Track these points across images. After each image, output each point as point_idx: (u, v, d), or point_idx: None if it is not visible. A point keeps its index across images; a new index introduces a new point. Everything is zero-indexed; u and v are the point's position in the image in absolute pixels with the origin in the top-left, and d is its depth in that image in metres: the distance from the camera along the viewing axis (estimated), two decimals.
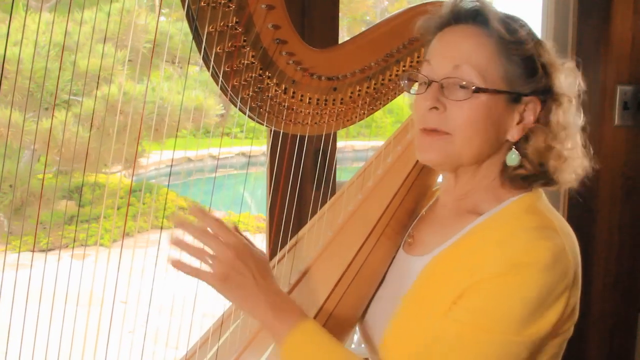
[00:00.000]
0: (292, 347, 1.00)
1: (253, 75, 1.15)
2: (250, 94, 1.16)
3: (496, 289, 0.95)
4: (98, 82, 4.33)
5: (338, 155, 1.85)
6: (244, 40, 1.11)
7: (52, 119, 4.42)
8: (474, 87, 1.01)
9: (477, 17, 1.04)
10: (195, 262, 1.00)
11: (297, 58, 1.17)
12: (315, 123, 1.27)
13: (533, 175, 1.06)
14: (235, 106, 1.18)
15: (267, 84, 1.18)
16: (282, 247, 1.33)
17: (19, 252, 5.58)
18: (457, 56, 1.03)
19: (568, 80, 1.06)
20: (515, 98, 1.03)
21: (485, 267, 0.97)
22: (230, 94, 1.15)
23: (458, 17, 1.06)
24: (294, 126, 1.25)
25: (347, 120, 1.29)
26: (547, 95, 1.05)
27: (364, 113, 1.29)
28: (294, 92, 1.21)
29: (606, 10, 2.12)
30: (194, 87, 4.31)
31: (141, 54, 4.06)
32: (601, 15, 2.12)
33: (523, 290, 0.94)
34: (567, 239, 1.00)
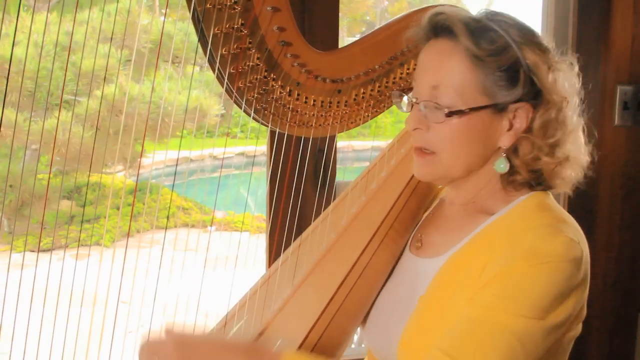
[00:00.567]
0: None
1: (258, 77, 1.15)
2: (255, 95, 1.17)
3: (520, 277, 0.95)
4: (95, 82, 4.33)
5: (338, 155, 1.85)
6: (250, 42, 1.11)
7: (54, 118, 4.41)
8: (446, 112, 1.02)
9: (451, 32, 1.03)
10: None
11: (302, 60, 1.17)
12: (320, 125, 1.27)
13: (529, 181, 1.07)
14: (240, 108, 1.18)
15: (272, 85, 1.18)
16: (282, 247, 1.33)
17: (20, 252, 5.57)
18: (435, 76, 1.04)
19: (565, 79, 1.05)
20: (500, 108, 1.03)
21: (502, 262, 0.98)
22: (236, 96, 1.16)
23: (435, 31, 1.06)
24: (298, 128, 1.25)
25: (351, 123, 1.29)
26: (539, 99, 1.03)
27: (368, 115, 1.30)
28: (298, 94, 1.21)
29: (606, 10, 2.12)
30: (194, 87, 4.31)
31: (141, 54, 4.06)
32: (601, 15, 2.12)
33: (545, 278, 0.94)
34: (580, 235, 1.02)
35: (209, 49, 1.09)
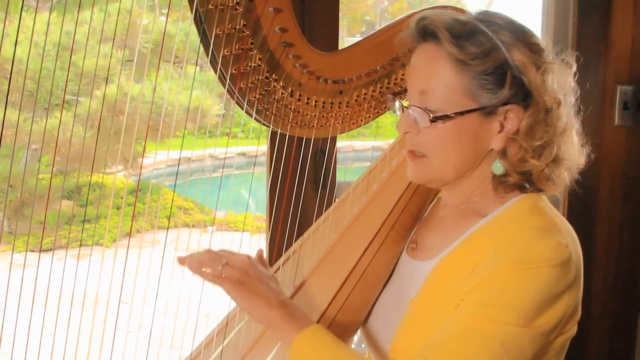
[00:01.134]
0: (299, 349, 1.01)
1: (260, 77, 1.16)
2: (257, 96, 1.17)
3: (504, 284, 0.96)
4: (96, 82, 4.33)
5: (339, 155, 1.85)
6: (251, 43, 1.12)
7: (55, 118, 4.42)
8: (431, 117, 1.03)
9: (435, 37, 1.03)
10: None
11: (304, 61, 1.17)
12: (321, 126, 1.27)
13: (520, 182, 1.07)
14: (242, 109, 1.19)
15: (274, 86, 1.18)
16: (283, 247, 1.34)
17: (21, 252, 5.58)
18: (422, 81, 1.05)
19: (556, 79, 1.04)
20: (489, 111, 1.03)
21: (491, 265, 0.98)
22: (237, 97, 1.16)
23: (422, 36, 1.06)
24: (299, 129, 1.26)
25: (353, 124, 1.30)
26: (529, 100, 1.02)
27: (369, 116, 1.30)
28: (300, 95, 1.21)
29: (606, 10, 2.12)
30: (195, 88, 4.31)
31: (142, 54, 4.06)
32: (601, 15, 2.12)
33: (529, 284, 0.95)
34: (570, 239, 1.01)
35: (211, 49, 1.09)
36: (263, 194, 1.91)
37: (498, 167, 1.07)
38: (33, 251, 5.16)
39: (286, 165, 1.43)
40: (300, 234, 1.35)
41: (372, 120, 1.32)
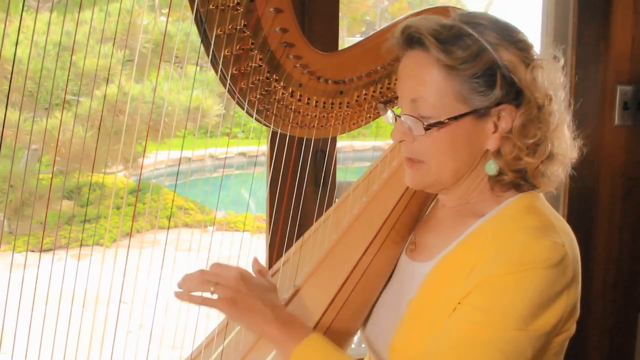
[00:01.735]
0: (299, 359, 1.01)
1: (260, 78, 1.16)
2: (258, 96, 1.17)
3: (501, 287, 0.96)
4: (96, 82, 4.33)
5: (339, 155, 1.85)
6: (252, 43, 1.12)
7: (55, 118, 4.42)
8: (425, 125, 1.03)
9: (422, 44, 1.03)
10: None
11: (304, 61, 1.17)
12: (322, 126, 1.27)
13: (515, 180, 1.07)
14: (243, 109, 1.19)
15: (274, 86, 1.18)
16: (283, 247, 1.34)
17: (21, 252, 5.57)
18: (412, 89, 1.05)
19: (546, 75, 1.03)
20: (482, 113, 1.03)
21: (488, 267, 0.98)
22: (238, 97, 1.16)
23: (408, 43, 1.05)
24: (300, 129, 1.26)
25: (353, 124, 1.30)
26: (521, 98, 1.02)
27: (369, 117, 1.30)
28: (300, 95, 1.21)
29: (606, 10, 2.12)
30: (195, 87, 4.31)
31: (142, 54, 4.06)
32: (601, 15, 2.12)
33: (527, 287, 0.95)
34: (566, 238, 1.01)
35: (211, 50, 1.09)
36: (263, 194, 1.91)
37: (491, 168, 1.06)
38: (33, 251, 5.16)
39: (286, 166, 1.43)
40: (300, 234, 1.35)
41: (372, 120, 1.32)
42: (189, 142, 3.98)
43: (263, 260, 1.72)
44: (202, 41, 1.09)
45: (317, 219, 1.36)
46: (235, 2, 1.07)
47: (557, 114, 1.05)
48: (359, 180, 1.39)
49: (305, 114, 1.24)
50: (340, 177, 1.88)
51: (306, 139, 1.29)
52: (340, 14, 1.87)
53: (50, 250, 5.06)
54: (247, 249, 1.27)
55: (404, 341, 1.06)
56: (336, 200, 1.39)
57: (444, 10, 1.15)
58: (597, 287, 2.23)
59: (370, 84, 1.26)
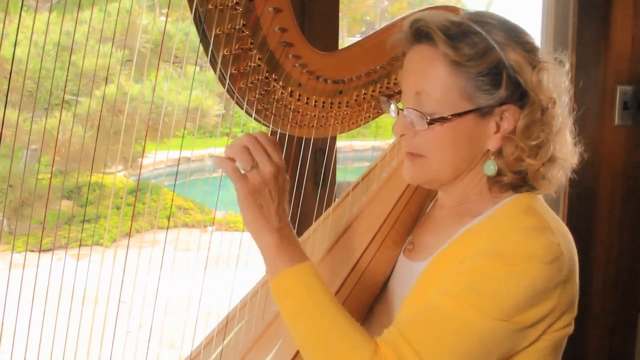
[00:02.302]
0: (283, 283, 0.99)
1: (259, 77, 1.16)
2: (257, 96, 1.17)
3: (492, 275, 0.96)
4: (95, 82, 4.33)
5: (338, 155, 1.85)
6: (251, 43, 1.12)
7: (54, 118, 4.42)
8: (428, 119, 1.02)
9: (431, 38, 1.02)
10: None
11: (303, 61, 1.17)
12: (321, 126, 1.27)
13: (515, 182, 1.07)
14: (242, 108, 1.19)
15: (274, 86, 1.18)
16: None
17: (20, 252, 5.58)
18: (417, 83, 1.04)
19: (551, 79, 1.04)
20: (485, 112, 1.03)
21: (479, 256, 0.98)
22: (237, 97, 1.16)
23: (416, 38, 1.05)
24: (299, 129, 1.26)
25: (353, 124, 1.30)
26: (525, 100, 1.02)
27: (369, 116, 1.30)
28: (299, 95, 1.21)
29: (606, 10, 2.12)
30: (194, 87, 4.31)
31: (142, 54, 4.06)
32: (601, 15, 2.12)
33: (518, 279, 0.95)
34: (562, 238, 1.01)
35: (210, 49, 1.09)
36: None
37: (490, 168, 1.06)
38: (33, 251, 5.15)
39: (286, 165, 1.43)
40: (300, 233, 1.35)
41: (371, 120, 1.32)
42: (188, 142, 3.98)
43: (263, 260, 1.72)
44: (201, 41, 1.09)
45: (316, 219, 1.36)
46: (234, 1, 1.07)
47: (560, 118, 1.05)
48: (358, 180, 1.39)
49: (304, 113, 1.24)
50: (339, 177, 1.88)
51: (306, 138, 1.29)
52: (340, 14, 1.87)
53: (49, 250, 5.06)
54: (247, 249, 1.27)
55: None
56: (336, 200, 1.39)
57: (452, 9, 1.14)
58: (597, 287, 2.23)
59: (369, 83, 1.26)
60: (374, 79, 1.26)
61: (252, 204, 0.98)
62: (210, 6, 1.06)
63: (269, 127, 1.23)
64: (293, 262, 0.99)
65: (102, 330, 1.16)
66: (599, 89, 2.15)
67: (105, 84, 4.34)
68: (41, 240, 4.68)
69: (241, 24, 1.09)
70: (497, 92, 1.01)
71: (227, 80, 1.13)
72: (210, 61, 1.11)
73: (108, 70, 4.25)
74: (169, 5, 1.16)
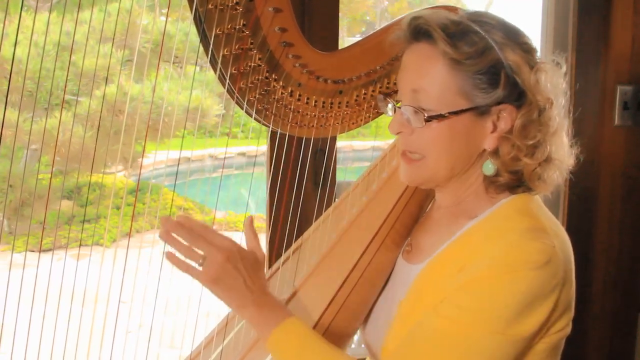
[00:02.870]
0: (276, 344, 1.03)
1: (259, 77, 1.16)
2: (257, 96, 1.17)
3: (485, 288, 0.96)
4: (95, 82, 4.33)
5: (338, 155, 1.85)
6: (251, 43, 1.12)
7: (54, 118, 4.42)
8: (425, 116, 1.02)
9: (430, 36, 1.02)
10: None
11: (303, 61, 1.17)
12: (321, 126, 1.27)
13: (511, 182, 1.06)
14: (242, 108, 1.19)
15: (274, 86, 1.18)
16: (282, 247, 1.34)
17: (20, 252, 5.57)
18: (415, 80, 1.04)
19: (549, 80, 1.04)
20: (482, 111, 1.02)
21: (475, 267, 0.98)
22: (237, 97, 1.16)
23: (415, 36, 1.05)
24: (299, 129, 1.26)
25: (353, 124, 1.30)
26: (522, 100, 1.02)
27: (369, 116, 1.30)
28: (299, 95, 1.21)
29: (606, 10, 2.12)
30: (194, 87, 4.31)
31: (142, 54, 4.06)
32: (601, 15, 2.12)
33: (511, 289, 0.95)
34: (557, 239, 1.01)
35: (210, 49, 1.09)
36: (263, 194, 1.91)
37: (489, 168, 1.06)
38: (33, 251, 5.15)
39: (286, 165, 1.43)
40: (300, 233, 1.35)
41: (371, 120, 1.32)
42: (188, 142, 3.98)
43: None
44: (201, 41, 1.09)
45: (316, 219, 1.36)
46: (234, 1, 1.07)
47: (556, 119, 1.05)
48: (358, 180, 1.39)
49: (304, 113, 1.24)
50: (339, 177, 1.88)
51: (306, 138, 1.29)
52: (340, 14, 1.87)
53: (49, 250, 5.06)
54: (247, 249, 1.27)
55: (395, 341, 1.06)
56: (336, 200, 1.39)
57: (451, 8, 1.15)
58: (597, 287, 2.23)
59: (369, 83, 1.26)
60: (373, 79, 1.26)
61: (220, 290, 1.02)
62: (210, 6, 1.06)
63: (269, 126, 1.23)
64: (278, 323, 1.03)
65: (102, 330, 1.16)
66: (599, 89, 2.15)
67: (106, 84, 4.34)
68: (41, 240, 4.68)
69: (241, 24, 1.09)
70: (495, 91, 1.01)
71: (227, 80, 1.13)
72: (210, 61, 1.11)
73: (108, 70, 4.25)
74: (169, 5, 1.16)
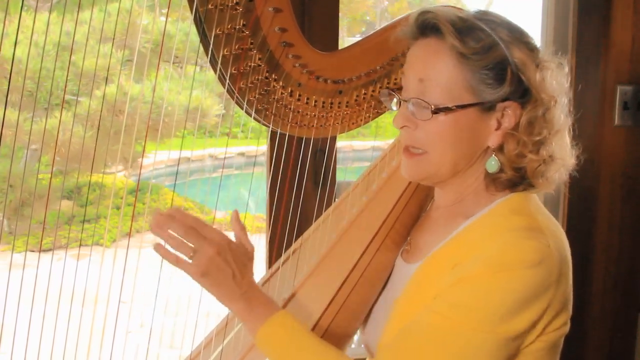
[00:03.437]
0: (264, 338, 1.03)
1: (259, 77, 1.16)
2: (257, 96, 1.17)
3: (480, 286, 0.96)
4: (95, 82, 4.33)
5: (338, 155, 1.85)
6: (251, 43, 1.12)
7: (54, 118, 4.42)
8: (432, 108, 1.02)
9: (438, 31, 1.03)
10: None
11: (303, 61, 1.17)
12: (321, 126, 1.27)
13: (513, 179, 1.07)
14: (242, 108, 1.19)
15: (273, 86, 1.18)
16: (282, 247, 1.34)
17: (20, 252, 5.57)
18: (421, 71, 1.04)
19: (553, 78, 1.04)
20: (488, 107, 1.03)
21: (470, 264, 0.98)
22: (237, 97, 1.16)
23: (422, 31, 1.06)
24: (299, 129, 1.26)
25: (353, 124, 1.30)
26: (527, 97, 1.03)
27: (369, 116, 1.30)
28: (299, 95, 1.22)
29: (606, 10, 2.12)
30: (194, 87, 4.31)
31: (142, 54, 4.06)
32: (601, 15, 2.12)
33: (505, 288, 0.95)
34: (553, 238, 1.01)
35: (210, 49, 1.09)
36: (263, 194, 1.91)
37: (492, 165, 1.06)
38: (33, 251, 5.15)
39: (286, 165, 1.43)
40: (300, 233, 1.35)
41: (371, 120, 1.32)
42: (188, 142, 3.98)
43: (263, 260, 1.73)
44: (201, 41, 1.09)
45: (316, 219, 1.36)
46: (234, 1, 1.07)
47: (560, 117, 1.06)
48: (358, 180, 1.39)
49: (304, 113, 1.24)
50: (339, 177, 1.88)
51: (306, 138, 1.29)
52: (340, 14, 1.87)
53: (49, 250, 5.06)
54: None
55: (389, 338, 1.06)
56: (336, 200, 1.39)
57: (457, 8, 1.15)
58: (597, 287, 2.23)
59: (369, 83, 1.26)
60: (374, 79, 1.26)
61: (209, 284, 1.01)
62: (210, 6, 1.06)
63: (269, 126, 1.23)
64: (267, 317, 1.03)
65: (102, 330, 1.16)
66: (599, 89, 2.15)
67: (106, 84, 4.34)
68: (41, 240, 4.68)
69: (241, 24, 1.09)
70: (501, 87, 1.02)
71: (227, 80, 1.13)
72: (210, 61, 1.11)
73: (108, 70, 4.25)
74: (169, 5, 1.16)
